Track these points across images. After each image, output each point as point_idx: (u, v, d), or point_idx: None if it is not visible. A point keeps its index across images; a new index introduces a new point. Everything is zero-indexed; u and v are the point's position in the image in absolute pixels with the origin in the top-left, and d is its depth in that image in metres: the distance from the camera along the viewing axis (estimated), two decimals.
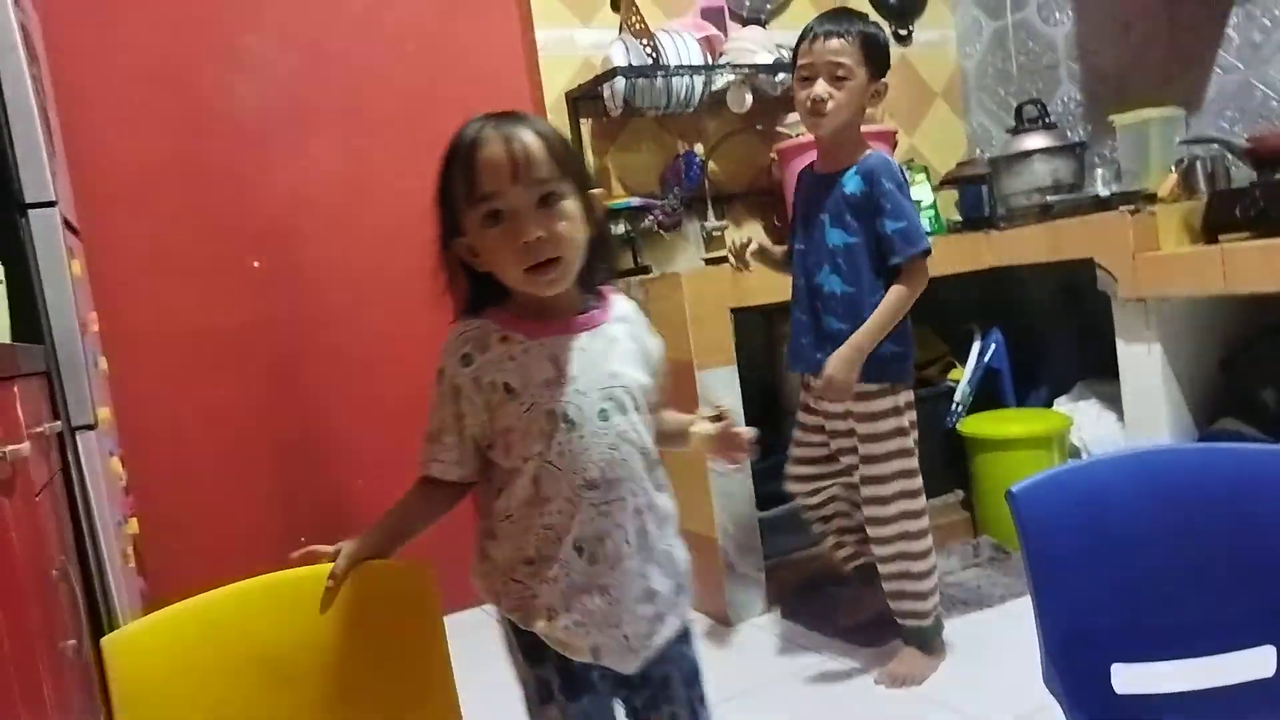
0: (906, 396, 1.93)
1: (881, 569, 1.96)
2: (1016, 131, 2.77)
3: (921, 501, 1.96)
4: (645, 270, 2.66)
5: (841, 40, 1.79)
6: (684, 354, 2.29)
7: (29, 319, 1.58)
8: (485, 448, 1.10)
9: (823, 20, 1.85)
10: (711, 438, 1.20)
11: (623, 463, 1.08)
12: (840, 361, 1.82)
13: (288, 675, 1.05)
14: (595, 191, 1.11)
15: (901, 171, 1.88)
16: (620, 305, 1.17)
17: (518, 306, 1.10)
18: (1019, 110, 2.81)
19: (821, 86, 1.79)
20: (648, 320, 1.20)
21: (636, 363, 1.14)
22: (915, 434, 1.96)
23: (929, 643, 1.96)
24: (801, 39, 1.85)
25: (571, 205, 1.05)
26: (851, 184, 1.85)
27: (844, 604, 2.25)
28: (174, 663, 1.02)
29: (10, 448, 1.15)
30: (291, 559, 1.11)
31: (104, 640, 1.01)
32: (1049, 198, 2.59)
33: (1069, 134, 2.89)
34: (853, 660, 2.04)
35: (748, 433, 1.21)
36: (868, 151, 1.87)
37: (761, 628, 2.29)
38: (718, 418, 1.19)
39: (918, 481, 1.95)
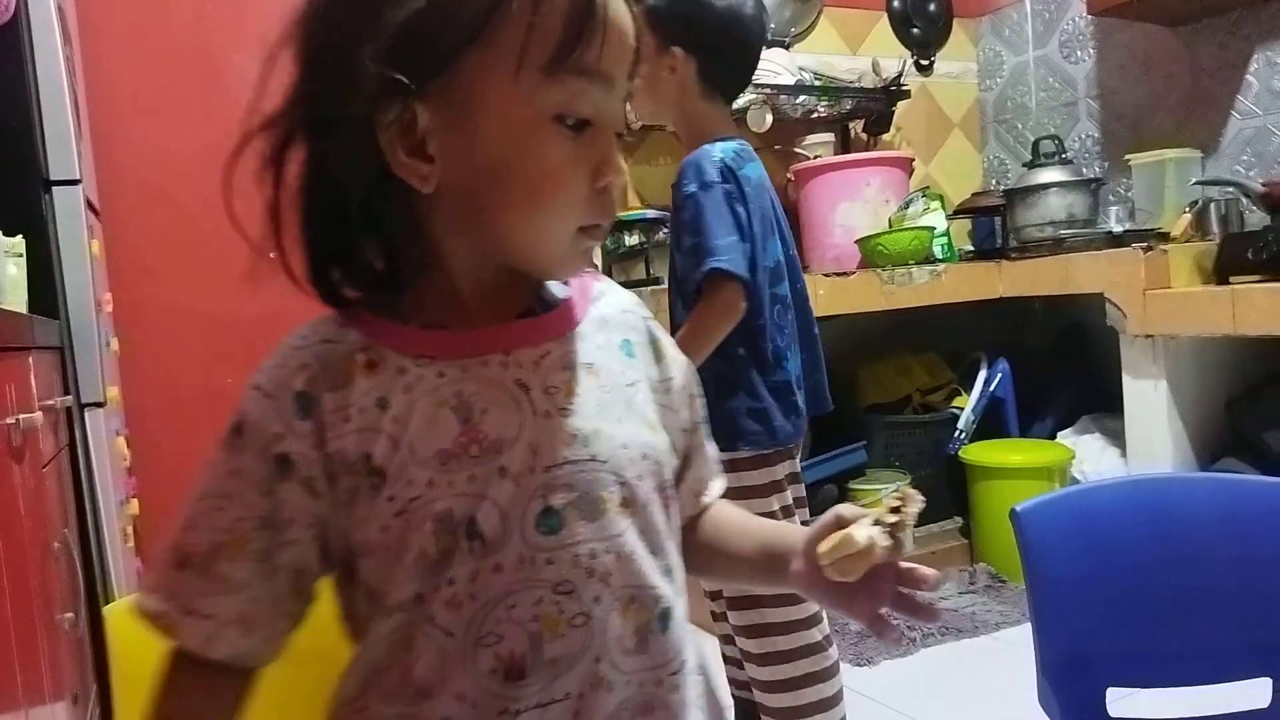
0: (788, 468, 1.48)
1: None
2: (1033, 165, 2.78)
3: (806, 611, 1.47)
4: (657, 281, 2.68)
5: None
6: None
7: (46, 294, 1.60)
8: (330, 576, 0.61)
9: None
10: (866, 559, 0.58)
11: (581, 625, 0.56)
12: None
13: (286, 654, 1.05)
14: None
15: (728, 171, 1.42)
16: (608, 298, 0.67)
17: (419, 299, 0.60)
18: (1036, 145, 2.83)
19: None
20: (651, 321, 0.70)
21: (638, 408, 0.63)
22: (804, 514, 1.51)
23: None
24: None
25: None
26: (675, 194, 1.49)
27: (837, 622, 2.25)
28: None
29: (23, 416, 1.16)
30: None
31: (106, 609, 1.02)
32: (1062, 231, 2.60)
33: (1085, 170, 2.90)
34: (844, 679, 2.03)
35: (929, 575, 0.62)
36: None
37: None
38: (893, 510, 0.59)
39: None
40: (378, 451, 0.56)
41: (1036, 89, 3.21)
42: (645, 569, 0.59)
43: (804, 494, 1.54)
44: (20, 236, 1.45)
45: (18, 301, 1.41)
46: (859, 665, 2.09)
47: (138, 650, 0.99)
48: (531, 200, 0.57)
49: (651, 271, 2.74)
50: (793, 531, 0.68)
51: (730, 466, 1.32)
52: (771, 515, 1.45)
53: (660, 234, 2.75)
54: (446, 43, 0.54)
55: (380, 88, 0.54)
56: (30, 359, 1.28)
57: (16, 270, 1.41)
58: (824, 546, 0.60)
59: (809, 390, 1.54)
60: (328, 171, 0.58)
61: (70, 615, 1.38)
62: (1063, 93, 3.12)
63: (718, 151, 1.43)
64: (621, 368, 0.64)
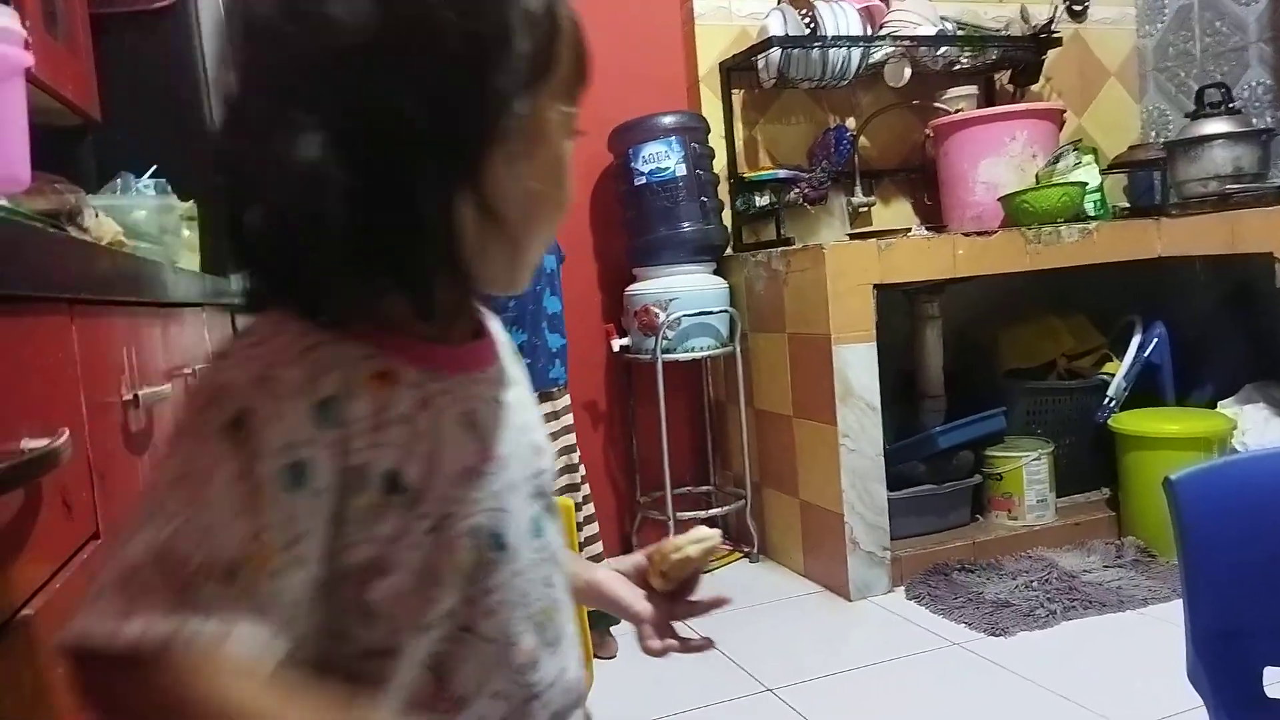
0: None
1: None
2: (1196, 116, 2.61)
3: None
4: (788, 242, 2.65)
5: None
6: (822, 328, 2.27)
7: (215, 255, 1.71)
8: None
9: None
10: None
11: (557, 610, 0.64)
12: None
13: None
14: None
15: None
16: (495, 322, 0.69)
17: (406, 311, 0.57)
18: (1200, 94, 2.64)
19: None
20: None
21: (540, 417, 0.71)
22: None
23: None
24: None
25: None
26: None
27: (970, 590, 2.21)
28: None
29: (199, 367, 1.26)
30: None
31: None
32: (1228, 186, 2.44)
33: (1254, 121, 2.70)
34: (976, 647, 2.00)
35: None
36: None
37: (884, 606, 2.27)
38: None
39: None
40: (410, 469, 0.54)
41: (1201, 33, 2.99)
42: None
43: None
44: (192, 202, 1.55)
45: (191, 261, 1.52)
46: (994, 635, 2.04)
47: None
48: (554, 218, 0.61)
49: (782, 232, 2.71)
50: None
51: None
52: None
53: (791, 194, 2.71)
54: (539, 65, 0.55)
55: (506, 105, 0.54)
56: (204, 314, 1.38)
57: (190, 233, 1.52)
58: (684, 541, 0.77)
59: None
60: (420, 189, 0.53)
61: None
62: (1231, 37, 2.89)
63: None
64: (524, 379, 0.70)
